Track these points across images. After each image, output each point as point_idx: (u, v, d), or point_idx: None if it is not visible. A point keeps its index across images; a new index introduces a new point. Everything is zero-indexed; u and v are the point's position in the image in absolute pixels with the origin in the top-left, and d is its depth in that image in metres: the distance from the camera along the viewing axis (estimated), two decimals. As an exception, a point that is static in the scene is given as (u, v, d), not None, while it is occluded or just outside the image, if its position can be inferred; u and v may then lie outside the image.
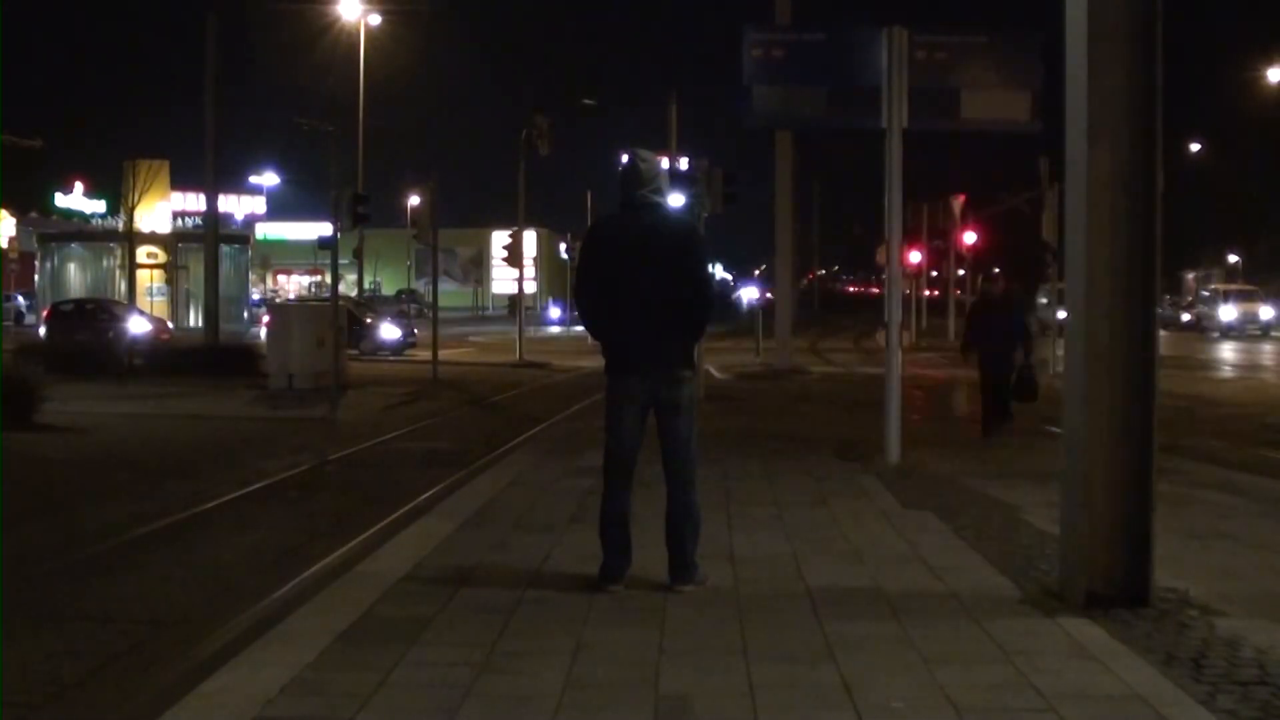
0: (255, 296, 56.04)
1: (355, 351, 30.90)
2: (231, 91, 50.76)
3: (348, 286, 49.20)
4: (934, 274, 65.35)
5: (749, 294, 71.43)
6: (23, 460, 12.06)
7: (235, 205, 79.40)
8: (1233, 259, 75.77)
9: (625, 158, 6.37)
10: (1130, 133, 5.71)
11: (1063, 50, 5.94)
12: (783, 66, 10.82)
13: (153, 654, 5.78)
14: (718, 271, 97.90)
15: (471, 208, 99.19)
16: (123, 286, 41.00)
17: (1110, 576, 5.68)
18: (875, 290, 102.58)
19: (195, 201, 55.50)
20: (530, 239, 52.46)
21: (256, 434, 15.64)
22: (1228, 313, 52.92)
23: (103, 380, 21.32)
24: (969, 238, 51.76)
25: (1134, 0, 5.71)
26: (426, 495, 9.97)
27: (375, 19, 52.11)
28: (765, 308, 37.76)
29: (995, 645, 5.15)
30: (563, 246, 67.06)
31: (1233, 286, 58.88)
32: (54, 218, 61.24)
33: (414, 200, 53.08)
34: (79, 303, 36.70)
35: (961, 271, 59.56)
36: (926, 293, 62.92)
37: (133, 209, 28.86)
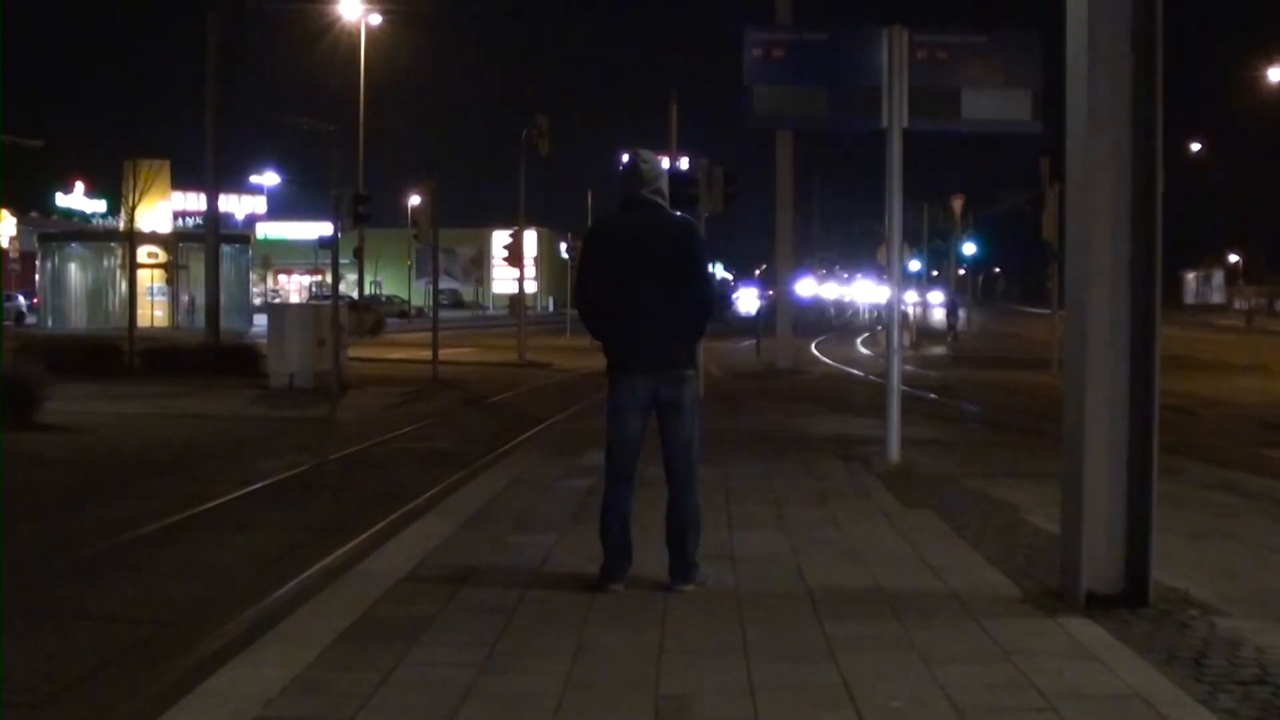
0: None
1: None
2: (232, 91, 50.79)
3: (348, 286, 49.19)
4: (934, 274, 65.38)
5: (748, 298, 70.17)
6: (23, 460, 12.05)
7: (235, 205, 79.57)
8: (1233, 259, 75.75)
9: (626, 158, 6.37)
10: (1132, 121, 5.70)
11: (1063, 46, 5.94)
12: (783, 66, 10.80)
13: (154, 653, 5.77)
14: (718, 271, 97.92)
15: (471, 208, 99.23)
16: (123, 286, 41.00)
17: (1110, 576, 5.67)
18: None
19: (195, 201, 55.64)
20: (531, 239, 52.52)
21: (257, 434, 15.64)
22: None
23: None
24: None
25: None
26: (426, 495, 9.96)
27: (375, 19, 52.17)
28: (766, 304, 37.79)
29: (995, 645, 5.15)
30: (563, 246, 67.12)
31: None
32: (54, 218, 61.31)
33: (414, 200, 53.06)
34: None
35: (962, 271, 59.59)
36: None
37: (133, 209, 28.76)
